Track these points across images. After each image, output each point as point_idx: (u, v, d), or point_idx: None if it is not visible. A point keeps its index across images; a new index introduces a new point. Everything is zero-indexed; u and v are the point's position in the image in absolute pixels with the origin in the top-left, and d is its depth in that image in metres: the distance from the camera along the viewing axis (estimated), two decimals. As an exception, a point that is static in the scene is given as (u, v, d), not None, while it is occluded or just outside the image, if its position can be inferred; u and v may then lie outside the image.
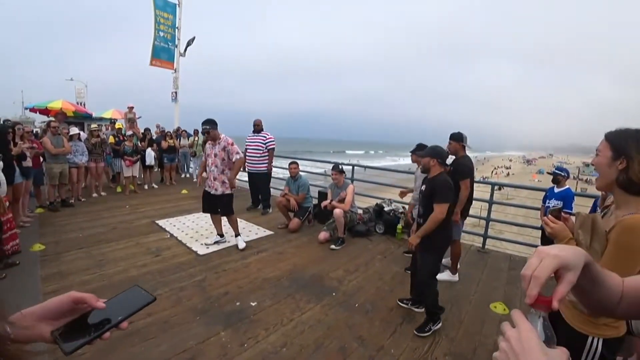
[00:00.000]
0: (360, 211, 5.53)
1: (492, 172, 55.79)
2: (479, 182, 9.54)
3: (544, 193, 4.41)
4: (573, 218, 1.47)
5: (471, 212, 7.16)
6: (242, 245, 4.52)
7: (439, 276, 3.35)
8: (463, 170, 3.73)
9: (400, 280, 3.83)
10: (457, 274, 3.96)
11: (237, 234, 4.62)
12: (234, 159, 4.41)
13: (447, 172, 2.97)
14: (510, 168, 69.23)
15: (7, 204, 4.08)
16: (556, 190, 4.13)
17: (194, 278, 3.63)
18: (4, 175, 4.14)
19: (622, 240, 1.16)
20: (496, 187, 6.03)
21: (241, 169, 6.85)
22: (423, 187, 2.93)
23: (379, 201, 5.98)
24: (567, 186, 4.12)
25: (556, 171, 4.19)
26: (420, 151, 4.92)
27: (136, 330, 2.61)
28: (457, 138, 3.85)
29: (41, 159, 6.15)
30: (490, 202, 5.38)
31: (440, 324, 2.88)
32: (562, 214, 1.46)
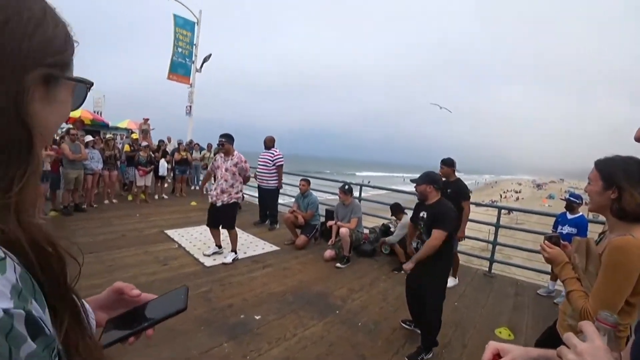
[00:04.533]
0: (366, 231, 5.55)
1: (502, 195, 55.15)
2: (487, 205, 9.49)
3: (554, 218, 4.39)
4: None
5: (479, 235, 7.15)
6: (229, 260, 4.49)
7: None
8: (465, 191, 4.13)
9: (404, 300, 3.80)
10: (457, 279, 4.46)
11: (233, 249, 4.64)
12: (248, 175, 4.66)
13: (447, 195, 3.00)
14: (519, 192, 68.35)
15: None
16: (569, 216, 4.11)
17: (200, 289, 3.67)
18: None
19: (612, 260, 1.19)
20: (505, 211, 6.01)
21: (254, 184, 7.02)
22: (423, 214, 2.87)
23: (385, 221, 6.01)
24: (580, 213, 4.09)
25: (570, 198, 4.16)
26: (398, 211, 5.28)
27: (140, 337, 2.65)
28: (449, 163, 4.18)
29: (60, 164, 6.36)
30: (497, 226, 5.36)
31: (431, 355, 2.80)
32: (561, 242, 1.49)
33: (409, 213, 3.70)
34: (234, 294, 3.64)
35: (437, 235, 2.68)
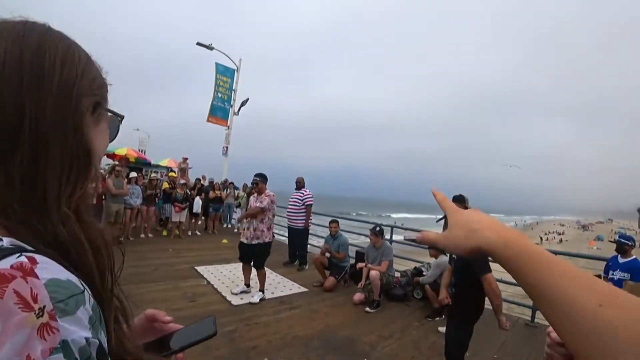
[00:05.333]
0: (397, 274, 5.35)
1: (542, 238, 51.70)
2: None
3: (604, 262, 4.04)
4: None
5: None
6: (256, 299, 4.43)
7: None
8: None
9: (438, 351, 3.54)
10: None
11: (261, 289, 4.59)
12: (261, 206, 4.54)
13: None
14: (563, 234, 63.82)
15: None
16: (621, 260, 3.77)
17: (225, 328, 3.62)
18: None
19: None
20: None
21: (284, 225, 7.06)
22: (455, 256, 2.81)
23: (417, 265, 5.77)
24: (633, 256, 3.75)
25: (622, 240, 3.84)
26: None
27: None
28: (460, 200, 3.87)
29: (103, 198, 6.78)
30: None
31: None
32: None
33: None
34: (259, 335, 3.55)
35: (490, 280, 2.53)
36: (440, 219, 3.83)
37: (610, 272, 3.79)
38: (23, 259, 0.33)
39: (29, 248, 0.36)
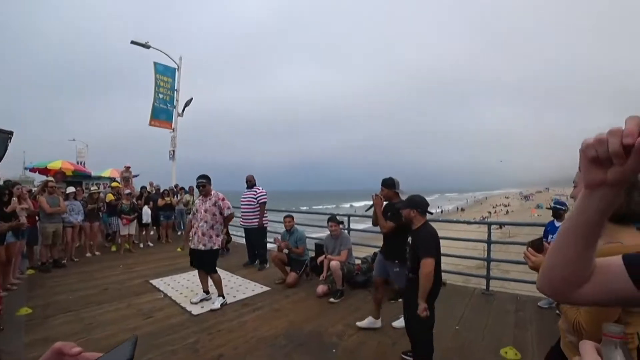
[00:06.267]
0: (358, 261, 5.41)
1: (492, 211, 55.54)
2: (477, 222, 9.50)
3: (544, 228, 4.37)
4: None
5: (474, 253, 7.07)
6: (217, 306, 4.29)
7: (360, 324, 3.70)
8: (395, 214, 3.48)
9: (402, 332, 3.63)
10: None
11: (220, 294, 4.44)
12: (226, 214, 4.44)
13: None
14: (508, 205, 69.04)
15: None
16: (557, 224, 4.12)
17: (187, 340, 3.45)
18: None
19: None
20: (496, 226, 5.99)
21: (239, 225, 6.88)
22: (410, 240, 2.81)
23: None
24: None
25: (556, 206, 4.23)
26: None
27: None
28: (389, 185, 3.71)
29: (37, 218, 6.13)
30: (489, 242, 5.30)
31: None
32: (544, 243, 1.45)
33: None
34: (224, 343, 3.41)
35: (427, 263, 2.57)
36: (369, 208, 3.86)
37: (550, 235, 4.11)
38: None
39: None
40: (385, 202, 3.72)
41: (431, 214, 2.89)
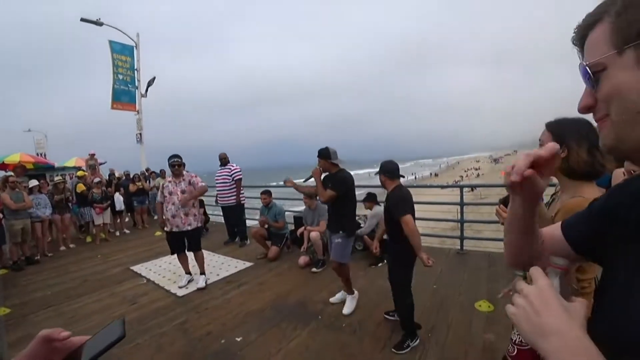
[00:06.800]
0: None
1: (463, 176, 57.48)
2: (450, 186, 9.77)
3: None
4: None
5: (448, 216, 7.36)
6: (202, 284, 4.35)
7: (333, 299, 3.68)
8: (335, 184, 3.39)
9: (385, 294, 3.79)
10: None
11: (202, 272, 4.48)
12: (201, 187, 4.42)
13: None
14: (479, 169, 71.69)
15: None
16: None
17: (175, 321, 3.48)
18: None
19: None
20: (468, 189, 6.24)
21: (215, 204, 6.82)
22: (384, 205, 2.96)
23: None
24: None
25: None
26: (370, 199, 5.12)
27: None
28: (324, 155, 3.44)
29: (0, 216, 5.83)
30: (462, 204, 5.54)
31: (417, 341, 2.81)
32: None
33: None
34: (212, 320, 3.48)
35: (405, 220, 2.69)
36: (307, 179, 3.67)
37: None
38: None
39: None
40: (325, 174, 3.52)
41: (402, 177, 3.01)
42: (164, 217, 4.37)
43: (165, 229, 4.40)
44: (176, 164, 4.27)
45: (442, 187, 9.35)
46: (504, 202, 1.50)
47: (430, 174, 71.96)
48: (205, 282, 4.39)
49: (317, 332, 3.12)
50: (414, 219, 2.78)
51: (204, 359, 2.82)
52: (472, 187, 26.74)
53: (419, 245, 2.71)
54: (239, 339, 3.06)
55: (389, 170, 2.91)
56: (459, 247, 5.35)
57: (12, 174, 6.65)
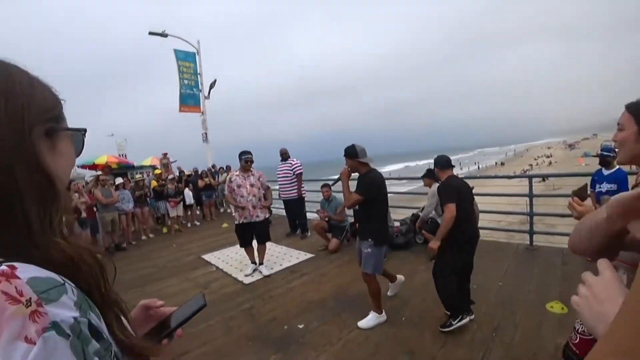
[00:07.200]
0: (397, 224, 5.49)
1: (533, 164, 52.77)
2: (517, 176, 9.12)
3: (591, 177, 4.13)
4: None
5: (516, 208, 6.88)
6: (267, 272, 4.66)
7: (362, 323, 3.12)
8: (361, 186, 3.08)
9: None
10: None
11: (261, 262, 4.78)
12: (267, 187, 4.78)
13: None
14: (551, 156, 65.21)
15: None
16: (605, 172, 3.76)
17: (243, 306, 3.76)
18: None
19: None
20: (537, 180, 5.77)
21: (278, 197, 7.16)
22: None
23: (414, 211, 5.91)
24: (617, 167, 3.74)
25: (603, 153, 3.80)
26: (428, 176, 4.95)
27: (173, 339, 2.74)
28: (351, 154, 3.09)
29: (95, 210, 6.74)
30: (531, 195, 5.14)
31: (463, 321, 2.87)
32: (588, 191, 1.41)
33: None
34: (276, 307, 3.70)
35: (447, 208, 2.87)
36: (335, 182, 3.83)
37: (597, 185, 3.85)
38: (3, 267, 0.38)
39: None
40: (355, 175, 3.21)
41: (453, 166, 3.18)
42: (237, 203, 4.61)
43: (235, 221, 4.73)
44: (249, 160, 4.61)
45: (509, 177, 8.71)
46: (578, 194, 1.41)
47: (496, 162, 67.27)
48: (269, 271, 4.67)
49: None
50: (465, 208, 2.92)
51: (268, 342, 3.02)
52: (543, 177, 24.49)
53: (440, 234, 2.90)
54: (300, 326, 3.22)
55: (439, 162, 3.15)
56: (528, 242, 5.00)
57: (101, 173, 7.62)
